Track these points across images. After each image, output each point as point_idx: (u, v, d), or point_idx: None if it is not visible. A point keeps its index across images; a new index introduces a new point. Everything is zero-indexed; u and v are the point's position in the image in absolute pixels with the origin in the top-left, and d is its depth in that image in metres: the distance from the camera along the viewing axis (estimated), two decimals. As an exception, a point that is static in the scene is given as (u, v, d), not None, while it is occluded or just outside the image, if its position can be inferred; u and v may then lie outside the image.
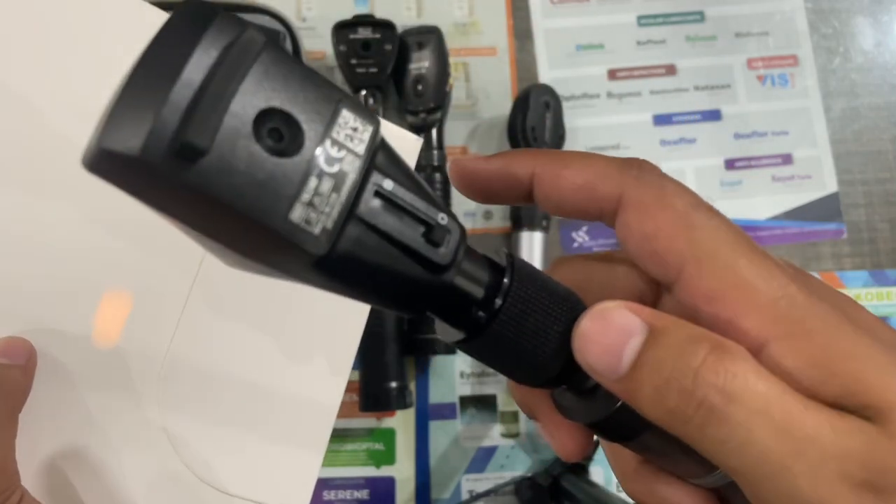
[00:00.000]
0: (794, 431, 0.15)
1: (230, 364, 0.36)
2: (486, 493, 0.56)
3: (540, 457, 0.58)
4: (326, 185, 0.14)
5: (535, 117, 0.59)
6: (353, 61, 0.57)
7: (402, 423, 0.57)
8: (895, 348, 0.17)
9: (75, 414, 0.33)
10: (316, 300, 0.37)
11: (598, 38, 0.65)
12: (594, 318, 0.17)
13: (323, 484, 0.56)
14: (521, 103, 0.59)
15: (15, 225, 0.34)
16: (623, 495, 0.57)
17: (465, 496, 0.56)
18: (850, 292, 0.61)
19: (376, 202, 0.15)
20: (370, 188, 0.15)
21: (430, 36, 0.59)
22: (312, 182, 0.14)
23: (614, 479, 0.58)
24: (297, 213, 0.14)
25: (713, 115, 0.64)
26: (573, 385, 0.19)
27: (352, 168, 0.14)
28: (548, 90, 0.60)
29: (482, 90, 0.64)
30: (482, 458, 0.57)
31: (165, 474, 0.34)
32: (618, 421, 0.18)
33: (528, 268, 0.18)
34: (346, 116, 0.15)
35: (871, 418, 0.15)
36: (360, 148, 0.15)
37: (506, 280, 0.18)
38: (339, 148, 0.14)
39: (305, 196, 0.14)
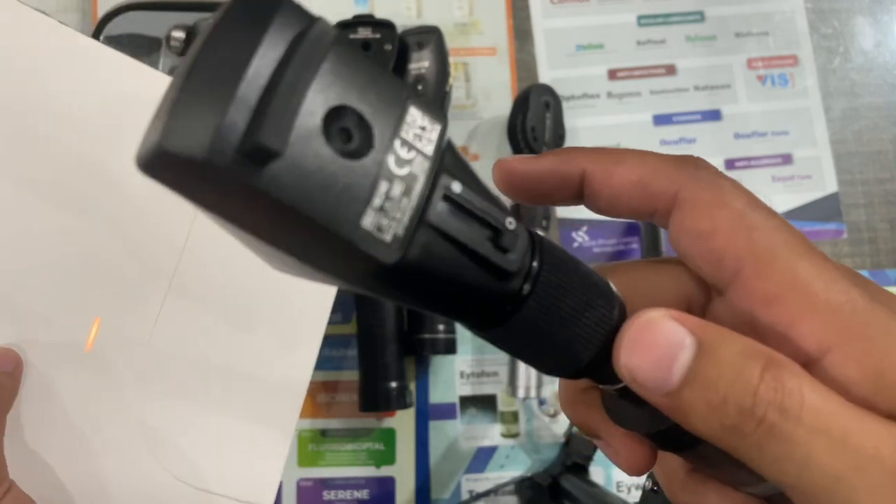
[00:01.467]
0: (853, 447, 0.15)
1: (204, 357, 0.38)
2: (486, 493, 0.56)
3: (540, 457, 0.58)
4: (397, 188, 0.13)
5: (535, 117, 0.59)
6: (353, 61, 0.57)
7: (402, 423, 0.57)
8: None
9: (58, 413, 0.36)
10: (285, 288, 0.40)
11: (598, 38, 0.65)
12: (640, 330, 0.16)
13: (323, 484, 0.56)
14: (521, 103, 0.59)
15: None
16: (623, 495, 0.57)
17: (465, 496, 0.56)
18: (850, 292, 0.61)
19: (444, 206, 0.15)
20: (439, 191, 0.14)
21: (430, 36, 0.59)
22: (383, 186, 0.13)
23: (614, 479, 0.58)
24: (369, 220, 0.13)
25: (713, 115, 0.64)
26: (626, 391, 0.18)
27: (421, 170, 0.14)
28: (548, 90, 0.60)
29: (482, 90, 0.63)
30: (482, 458, 0.57)
31: (140, 469, 0.37)
32: (681, 430, 0.17)
33: (558, 249, 0.17)
34: (414, 115, 0.14)
35: None
36: (429, 148, 0.14)
37: (534, 263, 0.16)
38: (408, 149, 0.14)
39: (377, 201, 0.13)
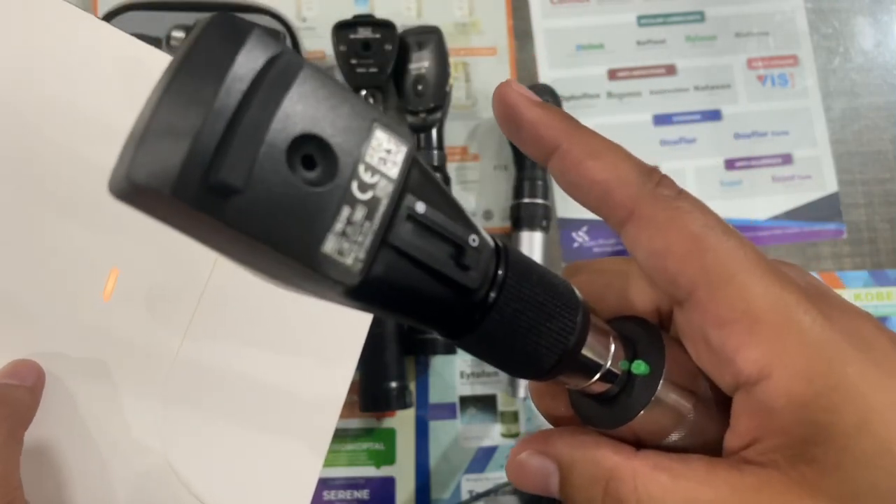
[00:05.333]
0: None
1: (232, 375, 0.37)
2: (486, 493, 0.56)
3: (540, 457, 0.58)
4: (359, 213, 0.14)
5: (535, 117, 0.58)
6: (353, 61, 0.57)
7: (402, 423, 0.57)
8: None
9: (78, 431, 0.34)
10: (321, 309, 0.38)
11: (598, 38, 0.65)
12: (516, 470, 0.19)
13: (323, 484, 0.56)
14: (521, 103, 0.59)
15: (16, 239, 0.34)
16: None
17: (465, 496, 0.56)
18: (850, 292, 0.62)
19: (408, 226, 0.15)
20: (402, 212, 0.15)
21: (430, 36, 0.59)
22: (345, 211, 0.14)
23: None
24: (330, 245, 0.14)
25: (713, 115, 0.64)
26: (589, 392, 0.20)
27: (384, 194, 0.14)
28: (548, 90, 0.60)
29: (482, 90, 0.63)
30: (482, 458, 0.57)
31: (165, 495, 0.35)
32: (633, 438, 0.19)
33: (523, 260, 0.18)
34: (380, 138, 0.14)
35: (826, 473, 0.17)
36: (394, 171, 0.14)
37: (500, 272, 0.17)
38: (372, 173, 0.14)
39: (338, 226, 0.14)
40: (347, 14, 0.59)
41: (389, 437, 0.57)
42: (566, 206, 0.61)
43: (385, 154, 0.14)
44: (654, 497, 0.17)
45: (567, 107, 0.63)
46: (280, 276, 0.14)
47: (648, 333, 0.20)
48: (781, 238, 0.62)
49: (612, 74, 0.65)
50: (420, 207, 0.15)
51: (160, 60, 0.37)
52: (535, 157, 0.20)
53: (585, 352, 0.19)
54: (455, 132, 0.62)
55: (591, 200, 0.19)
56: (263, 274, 0.14)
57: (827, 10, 0.66)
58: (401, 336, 0.55)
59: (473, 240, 0.16)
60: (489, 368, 0.59)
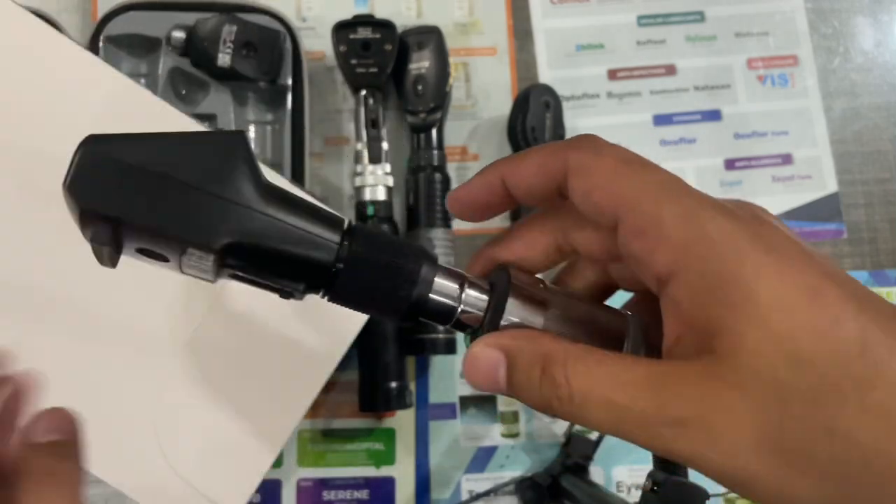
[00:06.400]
0: (616, 406, 0.20)
1: (231, 351, 0.41)
2: (486, 493, 0.56)
3: (540, 457, 0.58)
4: (191, 272, 0.22)
5: (535, 117, 0.59)
6: (353, 61, 0.57)
7: (402, 423, 0.57)
8: (803, 271, 0.19)
9: (87, 387, 0.39)
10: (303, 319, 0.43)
11: (598, 38, 0.65)
12: (470, 360, 0.22)
13: (323, 484, 0.56)
14: (521, 103, 0.59)
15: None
16: (623, 495, 0.57)
17: (465, 496, 0.56)
18: (850, 292, 0.61)
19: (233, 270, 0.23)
20: (226, 270, 0.22)
21: (430, 36, 0.59)
22: (186, 269, 0.23)
23: (614, 479, 0.58)
24: (189, 273, 0.23)
25: (713, 115, 0.64)
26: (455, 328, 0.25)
27: (202, 271, 0.22)
28: (548, 90, 0.60)
29: (482, 90, 0.63)
30: (482, 458, 0.57)
31: (144, 451, 0.40)
32: None
33: (370, 234, 0.23)
34: (191, 253, 0.21)
35: (712, 362, 0.19)
36: (207, 268, 0.22)
37: (345, 242, 0.22)
38: (192, 267, 0.22)
39: (186, 272, 0.23)
40: (347, 14, 0.59)
41: (389, 437, 0.57)
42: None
43: (198, 260, 0.22)
44: (579, 374, 0.20)
45: (567, 107, 0.63)
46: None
47: (504, 273, 0.24)
48: (781, 238, 0.62)
49: (612, 74, 0.65)
50: (238, 272, 0.22)
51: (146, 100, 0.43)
52: (503, 204, 0.24)
53: (438, 299, 0.23)
54: (455, 132, 0.62)
55: (543, 186, 0.23)
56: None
57: (827, 10, 0.66)
58: (401, 336, 0.55)
59: (288, 286, 0.23)
60: (489, 368, 0.59)
